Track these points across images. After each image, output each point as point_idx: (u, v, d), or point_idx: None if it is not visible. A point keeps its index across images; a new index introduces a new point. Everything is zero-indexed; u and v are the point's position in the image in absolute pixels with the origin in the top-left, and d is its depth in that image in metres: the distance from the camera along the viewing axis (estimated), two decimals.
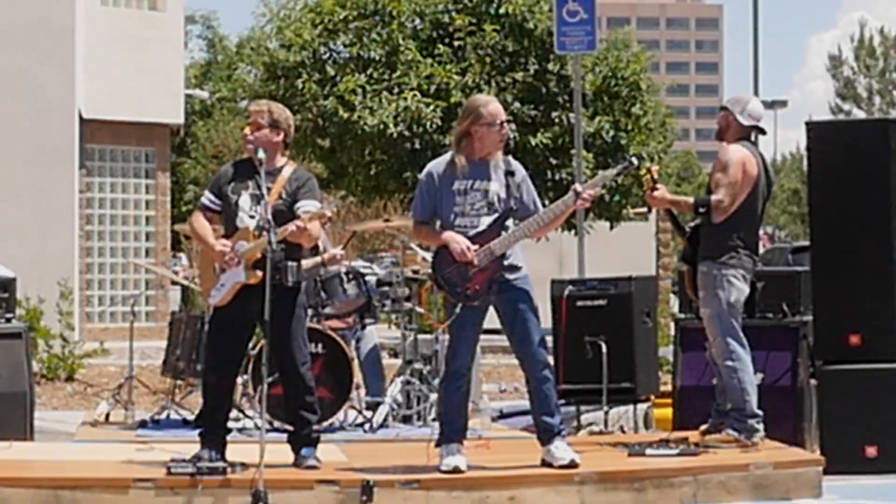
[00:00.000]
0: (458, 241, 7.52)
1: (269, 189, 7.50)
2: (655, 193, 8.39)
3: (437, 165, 7.74)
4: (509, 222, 7.62)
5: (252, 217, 7.53)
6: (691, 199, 8.53)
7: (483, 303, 7.61)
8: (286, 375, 7.69)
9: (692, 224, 8.58)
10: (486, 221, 7.57)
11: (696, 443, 8.27)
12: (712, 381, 9.16)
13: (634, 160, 7.91)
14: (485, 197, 7.59)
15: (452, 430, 7.60)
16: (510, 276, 7.61)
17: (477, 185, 7.60)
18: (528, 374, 7.67)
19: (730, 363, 8.24)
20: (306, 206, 7.51)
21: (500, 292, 7.60)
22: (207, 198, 7.71)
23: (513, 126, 16.28)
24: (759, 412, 8.20)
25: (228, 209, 7.62)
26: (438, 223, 7.70)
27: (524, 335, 7.59)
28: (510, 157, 7.77)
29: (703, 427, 8.47)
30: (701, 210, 8.32)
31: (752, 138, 8.58)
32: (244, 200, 7.57)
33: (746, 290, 8.39)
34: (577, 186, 7.69)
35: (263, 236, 7.35)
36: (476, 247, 7.51)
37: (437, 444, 7.62)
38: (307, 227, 7.39)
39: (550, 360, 7.75)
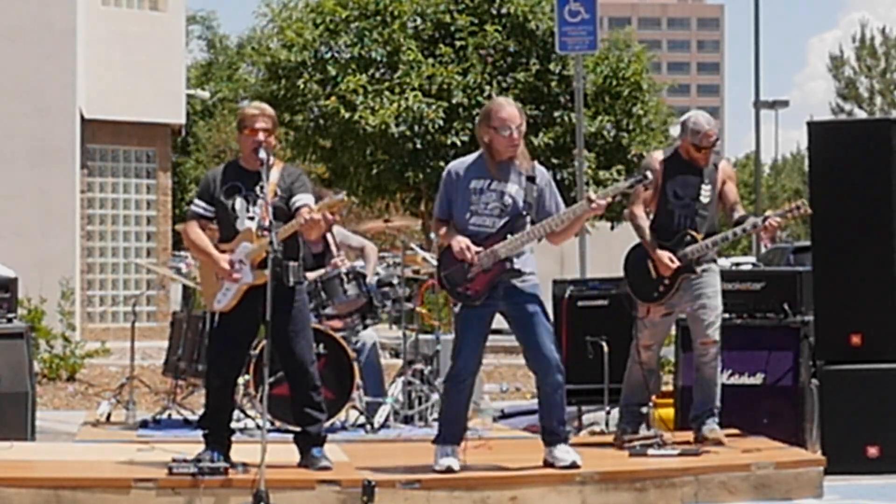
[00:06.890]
0: (458, 240, 7.50)
1: (261, 188, 7.48)
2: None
3: (458, 164, 7.72)
4: (527, 227, 7.55)
5: (251, 218, 7.52)
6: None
7: (487, 306, 7.57)
8: (294, 375, 7.66)
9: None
10: (498, 224, 7.53)
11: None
12: None
13: (649, 174, 7.87)
14: (500, 198, 7.54)
15: (449, 433, 7.58)
16: (516, 282, 7.56)
17: (494, 186, 7.56)
18: (540, 378, 7.61)
19: None
20: (302, 199, 7.51)
21: (506, 297, 7.56)
22: (200, 206, 7.63)
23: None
24: None
25: (224, 214, 7.58)
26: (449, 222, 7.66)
27: (535, 339, 7.53)
28: (536, 163, 7.70)
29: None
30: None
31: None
32: (239, 203, 7.55)
33: None
34: (591, 195, 7.61)
35: (265, 236, 7.34)
36: (479, 249, 7.50)
37: (434, 442, 7.62)
38: (316, 217, 7.36)
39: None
